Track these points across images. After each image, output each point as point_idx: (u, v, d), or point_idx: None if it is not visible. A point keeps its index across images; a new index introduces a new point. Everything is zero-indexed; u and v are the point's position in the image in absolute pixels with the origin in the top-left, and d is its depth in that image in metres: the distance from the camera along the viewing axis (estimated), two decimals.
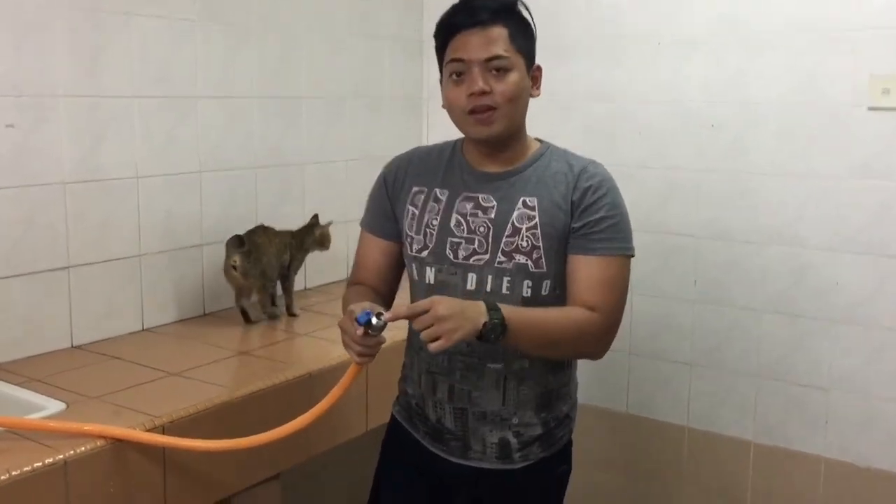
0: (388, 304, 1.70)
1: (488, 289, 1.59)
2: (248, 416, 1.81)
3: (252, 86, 2.56)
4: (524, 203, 1.59)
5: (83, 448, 1.53)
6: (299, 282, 2.63)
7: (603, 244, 1.57)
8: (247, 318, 2.38)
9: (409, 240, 1.68)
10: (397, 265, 1.75)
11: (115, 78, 2.18)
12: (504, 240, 1.58)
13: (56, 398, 1.78)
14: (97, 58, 2.14)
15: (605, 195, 1.58)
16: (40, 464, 1.47)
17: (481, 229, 1.61)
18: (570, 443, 1.76)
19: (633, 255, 1.60)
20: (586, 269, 1.56)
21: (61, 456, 1.50)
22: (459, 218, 1.62)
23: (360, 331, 1.44)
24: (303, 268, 2.58)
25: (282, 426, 1.60)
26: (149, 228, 2.30)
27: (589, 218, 1.56)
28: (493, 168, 1.64)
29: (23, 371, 1.95)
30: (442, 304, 1.40)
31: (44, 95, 2.03)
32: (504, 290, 1.59)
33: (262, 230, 2.41)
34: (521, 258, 1.57)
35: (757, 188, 2.58)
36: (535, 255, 1.58)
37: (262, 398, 1.88)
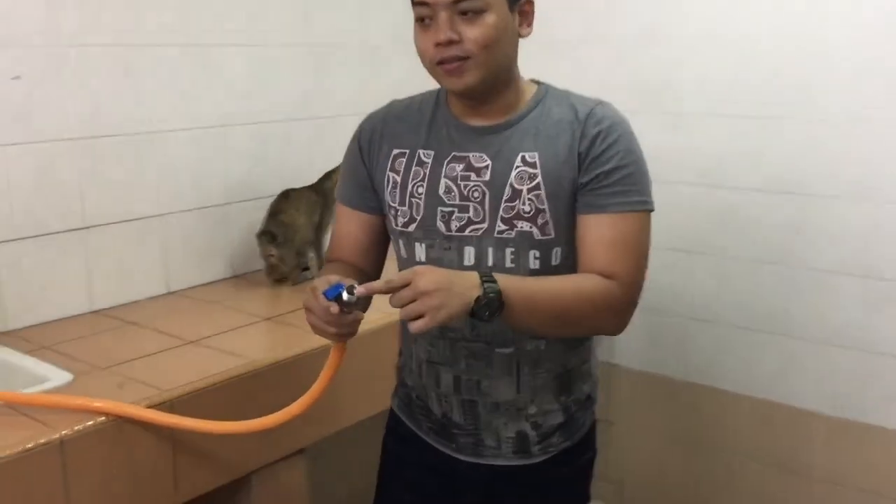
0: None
1: (490, 263, 1.37)
2: (268, 389, 1.68)
3: (281, 33, 2.40)
4: (523, 160, 1.36)
5: (81, 425, 1.42)
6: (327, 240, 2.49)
7: (616, 199, 1.33)
8: (278, 282, 2.28)
9: (392, 212, 1.44)
10: (381, 240, 1.52)
11: (131, 24, 2.04)
12: (503, 205, 1.36)
13: (63, 368, 1.67)
14: (109, 3, 1.99)
15: (616, 141, 1.34)
16: (32, 444, 1.36)
17: (475, 194, 1.37)
18: (593, 426, 1.56)
19: (652, 210, 1.37)
20: (598, 230, 1.33)
21: (57, 435, 1.39)
22: (449, 183, 1.38)
23: (335, 308, 1.21)
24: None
25: (269, 416, 1.48)
26: (171, 186, 2.17)
27: (599, 170, 1.33)
28: (483, 121, 1.39)
29: (35, 338, 1.85)
30: (425, 277, 1.18)
31: (52, 45, 1.90)
32: (508, 264, 1.37)
33: (286, 201, 2.28)
34: (524, 225, 1.35)
35: (828, 138, 2.32)
36: (540, 221, 1.35)
37: (284, 369, 1.75)
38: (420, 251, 1.42)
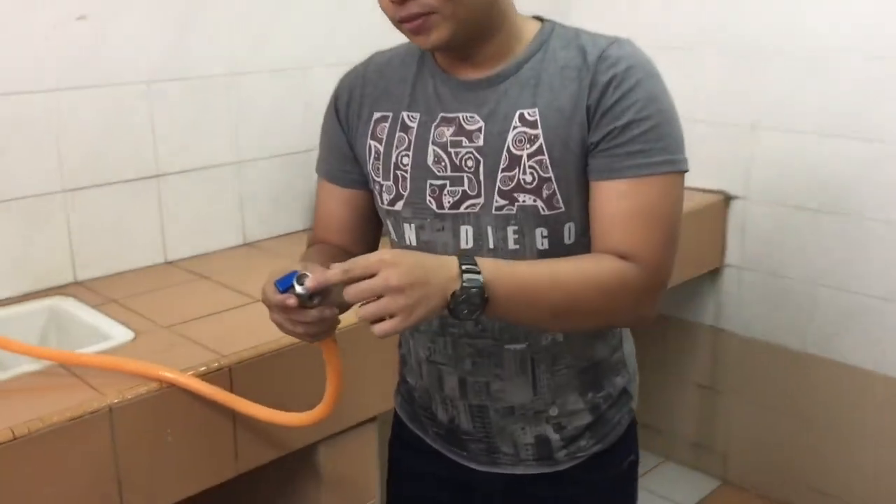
0: None
1: (490, 245, 1.13)
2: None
3: None
4: (522, 118, 1.10)
5: (134, 393, 1.34)
6: None
7: (634, 160, 1.07)
8: None
9: (377, 188, 1.21)
10: (371, 218, 1.28)
11: None
12: (500, 175, 1.11)
13: (127, 325, 1.60)
14: None
15: (633, 88, 1.07)
16: (80, 412, 1.28)
17: (468, 163, 1.13)
18: (633, 424, 1.31)
19: (684, 171, 1.10)
20: (613, 200, 1.08)
21: (106, 402, 1.31)
22: (438, 150, 1.14)
23: (291, 300, 0.98)
24: None
25: (296, 415, 1.33)
26: (248, 131, 2.06)
27: (612, 124, 1.07)
28: (474, 72, 1.14)
29: (104, 290, 1.79)
30: (397, 269, 0.94)
31: None
32: (512, 245, 1.13)
33: None
34: (526, 198, 1.11)
35: None
36: (545, 192, 1.10)
37: (357, 333, 1.62)
38: (410, 233, 1.19)
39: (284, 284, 0.99)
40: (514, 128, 1.10)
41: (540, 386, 1.21)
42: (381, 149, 1.19)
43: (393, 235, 1.23)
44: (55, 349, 1.44)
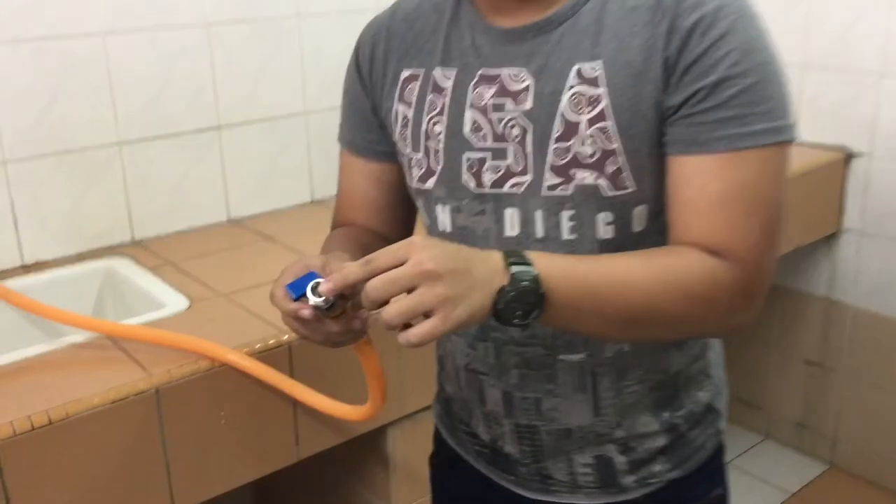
0: None
1: (539, 233, 0.91)
2: None
3: None
4: (580, 75, 0.87)
5: (183, 372, 1.21)
6: None
7: (727, 129, 0.83)
8: None
9: (406, 161, 0.99)
10: (403, 196, 1.06)
11: None
12: (552, 146, 0.88)
13: (182, 292, 1.47)
14: None
15: (726, 35, 0.83)
16: (125, 394, 1.16)
17: (513, 132, 0.90)
18: (719, 450, 1.06)
19: (791, 141, 0.86)
20: (699, 180, 0.85)
21: (152, 384, 1.18)
22: (477, 116, 0.92)
23: (307, 311, 0.79)
24: None
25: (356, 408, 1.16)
26: (317, 78, 1.90)
27: (698, 83, 0.83)
28: (520, 18, 0.91)
29: (162, 251, 1.67)
30: (430, 251, 0.74)
31: None
32: (566, 234, 0.90)
33: None
34: (585, 175, 0.88)
35: None
36: (609, 167, 0.87)
37: None
38: (443, 216, 0.97)
39: (298, 290, 0.80)
40: (571, 87, 0.87)
41: (602, 405, 0.98)
42: (411, 114, 0.97)
43: (425, 219, 1.02)
44: (100, 320, 1.32)
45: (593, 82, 0.86)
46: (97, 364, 1.24)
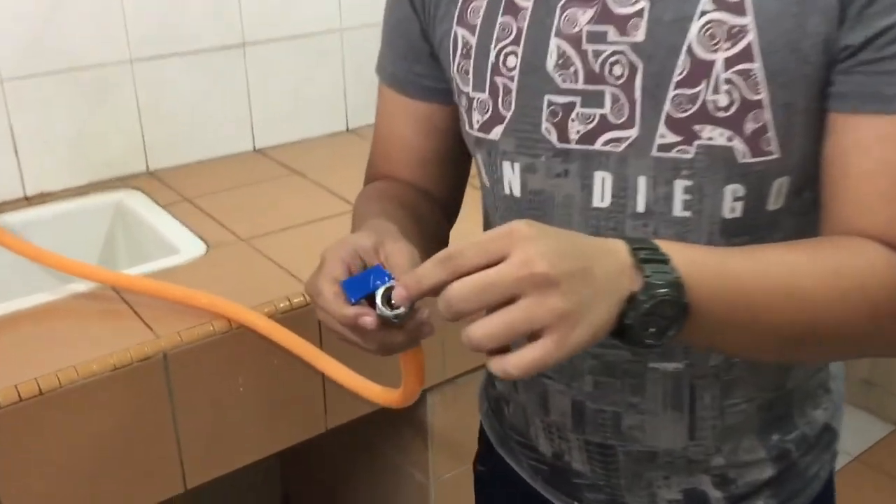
0: (445, 221, 0.89)
1: (640, 206, 0.70)
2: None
3: None
4: None
5: (196, 333, 1.05)
6: None
7: None
8: None
9: (464, 102, 0.77)
10: (454, 148, 0.85)
11: None
12: (671, 92, 0.67)
13: (199, 235, 1.30)
14: None
15: None
16: (128, 360, 1.00)
17: (615, 70, 0.68)
18: (830, 479, 0.87)
19: None
20: (876, 148, 0.63)
21: (161, 347, 1.02)
22: (565, 47, 0.70)
23: (371, 320, 0.61)
24: None
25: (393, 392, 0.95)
26: None
27: (885, 20, 0.61)
28: None
29: (178, 184, 1.49)
30: (535, 244, 0.53)
31: None
32: (678, 210, 0.69)
33: None
34: (715, 133, 0.66)
35: None
36: (749, 125, 0.66)
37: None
38: (511, 177, 0.75)
39: (359, 291, 0.61)
40: (703, 12, 0.65)
41: (701, 427, 0.78)
42: (474, 42, 0.76)
43: (484, 177, 0.80)
44: (103, 269, 1.15)
45: (736, 8, 0.64)
46: (99, 321, 1.08)
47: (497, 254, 0.53)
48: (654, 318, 0.56)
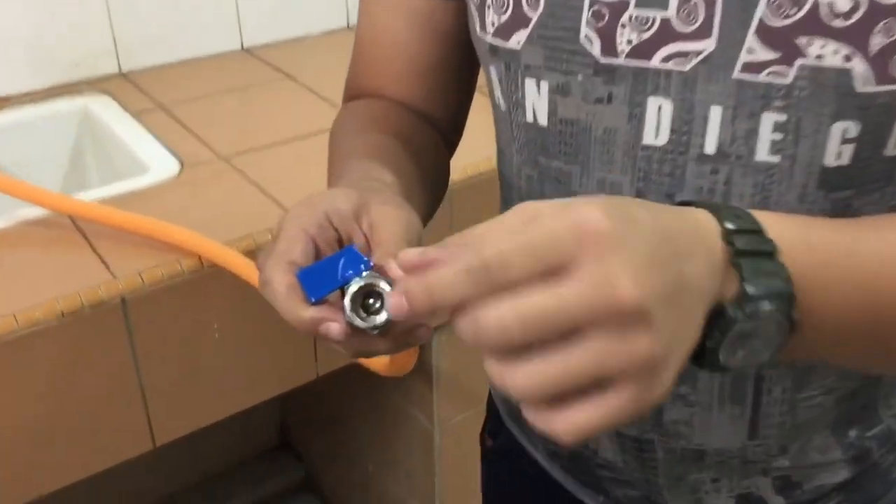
0: (446, 152, 0.71)
1: (710, 147, 0.51)
2: (455, 212, 1.06)
3: None
4: None
5: (160, 273, 0.89)
6: None
7: None
8: None
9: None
10: (460, 57, 0.66)
11: None
12: None
13: (172, 150, 1.13)
14: None
15: None
16: (78, 305, 0.84)
17: None
18: None
19: None
20: None
21: (118, 289, 0.87)
22: None
23: (337, 328, 0.44)
24: None
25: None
26: None
27: None
28: None
29: (154, 89, 1.31)
30: (618, 250, 0.33)
31: None
32: (764, 153, 0.50)
33: None
34: (827, 49, 0.46)
35: None
36: (876, 39, 0.45)
37: (477, 188, 1.10)
38: (536, 100, 0.55)
39: (320, 287, 0.43)
40: None
41: (765, 424, 0.61)
42: None
43: (499, 99, 0.60)
44: (49, 192, 0.97)
45: None
46: (46, 256, 0.92)
47: (557, 263, 0.35)
48: (747, 341, 0.39)
